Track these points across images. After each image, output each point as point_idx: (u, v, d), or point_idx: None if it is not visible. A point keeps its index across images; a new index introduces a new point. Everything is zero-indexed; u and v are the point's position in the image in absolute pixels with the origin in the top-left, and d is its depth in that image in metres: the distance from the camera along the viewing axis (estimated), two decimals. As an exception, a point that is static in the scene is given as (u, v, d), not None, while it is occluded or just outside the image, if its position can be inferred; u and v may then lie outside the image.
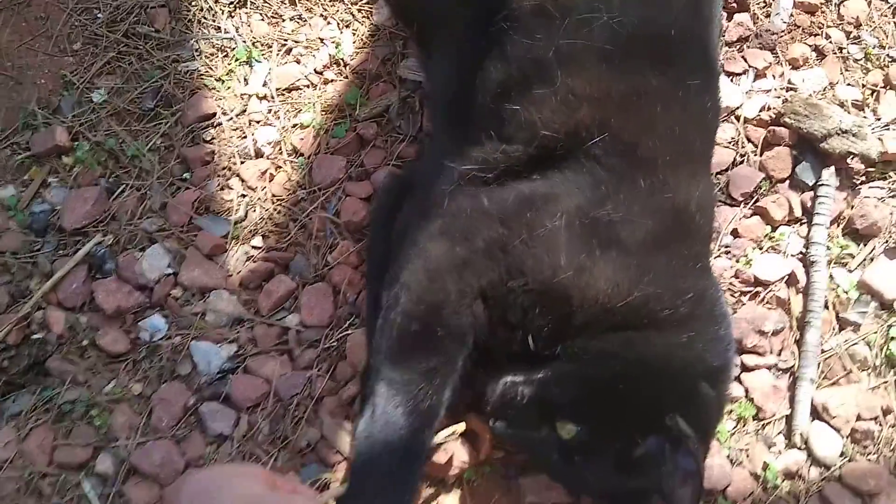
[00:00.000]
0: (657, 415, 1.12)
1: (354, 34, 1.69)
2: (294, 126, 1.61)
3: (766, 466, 1.38)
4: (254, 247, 1.54)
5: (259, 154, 1.60)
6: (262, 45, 1.68)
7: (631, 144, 1.21)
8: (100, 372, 1.46)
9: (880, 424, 1.40)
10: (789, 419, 1.41)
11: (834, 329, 1.46)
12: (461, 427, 1.20)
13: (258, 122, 1.62)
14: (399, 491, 1.12)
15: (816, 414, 1.41)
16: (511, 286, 1.15)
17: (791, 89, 1.59)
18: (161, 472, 1.38)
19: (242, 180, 1.57)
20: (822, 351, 1.44)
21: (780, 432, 1.41)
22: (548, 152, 1.23)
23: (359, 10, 1.70)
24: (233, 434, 1.41)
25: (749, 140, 1.56)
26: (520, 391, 1.14)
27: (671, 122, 1.25)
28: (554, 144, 1.22)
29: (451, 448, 1.35)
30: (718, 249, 1.50)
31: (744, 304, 1.46)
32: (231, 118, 1.62)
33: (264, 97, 1.64)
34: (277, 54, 1.67)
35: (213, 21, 1.70)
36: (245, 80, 1.65)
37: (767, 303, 1.46)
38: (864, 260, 1.50)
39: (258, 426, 1.41)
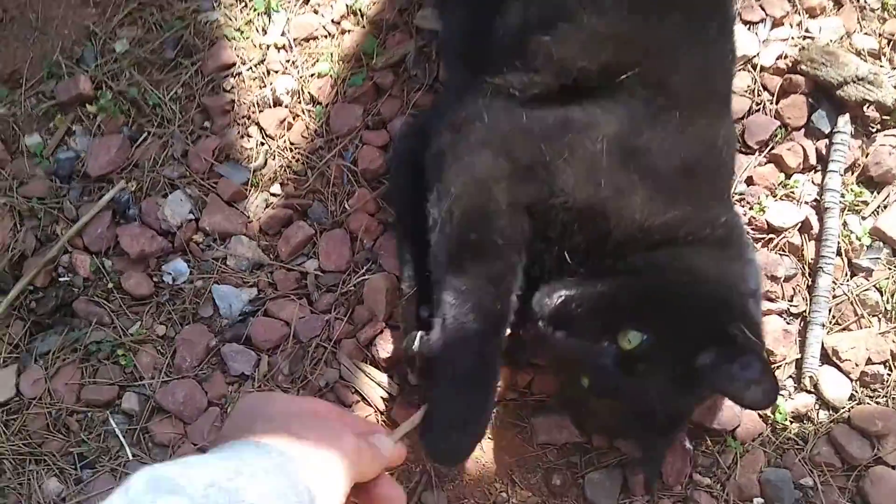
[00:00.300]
0: (719, 324, 1.15)
1: (372, -16, 1.70)
2: (312, 75, 1.63)
3: (775, 408, 1.40)
4: (273, 194, 1.56)
5: (278, 103, 1.62)
6: (280, -5, 1.70)
7: (661, 81, 1.24)
8: (125, 314, 1.51)
9: (890, 368, 1.42)
10: (799, 363, 1.42)
11: (846, 275, 1.47)
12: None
13: (277, 72, 1.64)
14: (483, 391, 1.19)
15: (826, 358, 1.42)
16: (553, 202, 1.18)
17: (808, 37, 1.59)
18: (184, 409, 1.43)
19: (261, 129, 1.60)
20: (834, 296, 1.45)
21: (789, 376, 1.43)
22: (578, 84, 1.25)
23: (376, -39, 1.71)
24: (254, 374, 1.45)
25: (765, 88, 1.57)
26: (577, 302, 1.14)
27: (696, 63, 1.29)
28: (584, 77, 1.25)
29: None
30: (733, 196, 1.50)
31: (757, 251, 1.47)
32: (250, 67, 1.64)
33: (283, 47, 1.65)
34: (295, 4, 1.68)
35: (233, -28, 1.71)
36: (264, 30, 1.67)
37: (780, 249, 1.48)
38: (878, 207, 1.50)
39: (278, 366, 1.45)
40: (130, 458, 1.43)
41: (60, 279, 1.53)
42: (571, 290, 1.16)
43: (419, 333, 1.27)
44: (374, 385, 1.42)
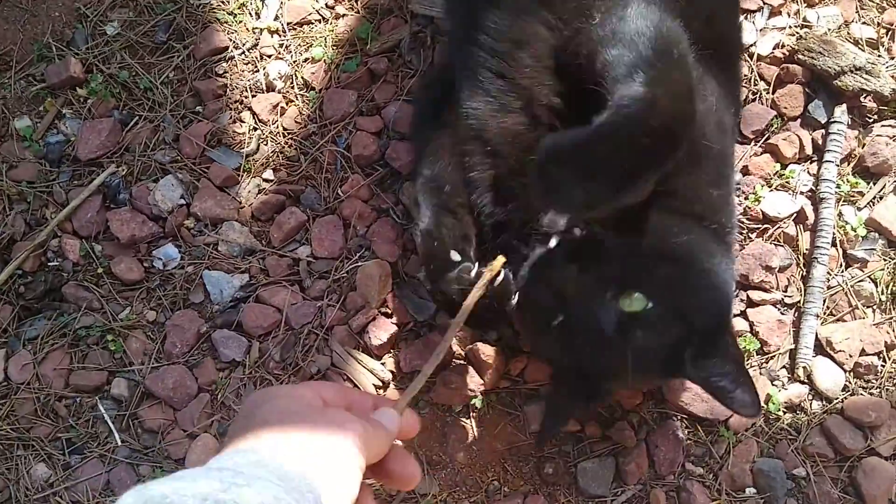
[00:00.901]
0: (718, 322, 1.16)
1: (367, -31, 1.68)
2: (305, 60, 1.61)
3: (768, 399, 1.39)
4: (265, 179, 1.55)
5: (271, 88, 1.60)
6: (274, -21, 1.68)
7: (725, 70, 1.29)
8: (114, 299, 1.49)
9: (884, 360, 1.42)
10: (793, 353, 1.42)
11: (841, 266, 1.47)
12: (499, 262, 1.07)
13: (270, 56, 1.62)
14: (620, 187, 1.02)
15: (820, 348, 1.42)
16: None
17: (806, 26, 1.58)
18: (174, 395, 1.42)
19: (254, 114, 1.58)
20: (829, 287, 1.45)
21: (783, 366, 1.43)
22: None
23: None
24: (245, 360, 1.44)
25: (762, 77, 1.56)
26: (604, 243, 1.13)
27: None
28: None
29: (458, 379, 1.38)
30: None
31: (752, 241, 1.47)
32: (243, 52, 1.62)
33: (276, 31, 1.64)
34: (290, -12, 1.67)
35: (226, -45, 1.69)
36: (257, 13, 1.65)
37: (775, 239, 1.47)
38: (874, 198, 1.49)
39: (269, 353, 1.44)
40: (119, 443, 1.42)
41: (50, 264, 1.51)
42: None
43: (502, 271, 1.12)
44: (367, 372, 1.41)
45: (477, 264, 1.20)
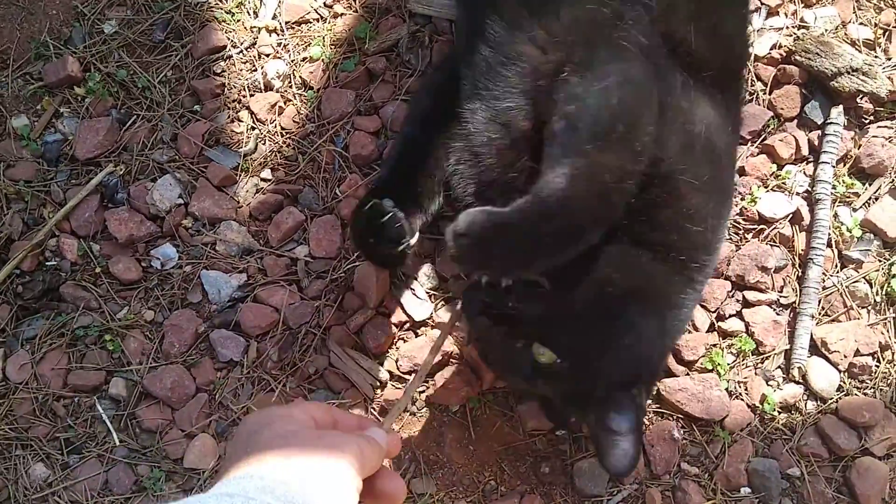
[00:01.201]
0: (630, 378, 1.15)
1: (364, -32, 1.68)
2: (303, 59, 1.61)
3: (763, 399, 1.40)
4: (263, 179, 1.55)
5: (269, 87, 1.60)
6: (272, -23, 1.67)
7: (725, 90, 1.24)
8: (112, 299, 1.50)
9: (878, 360, 1.43)
10: (788, 354, 1.43)
11: (836, 266, 1.47)
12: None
13: (268, 55, 1.62)
14: (543, 253, 1.06)
15: (815, 349, 1.43)
16: (657, 154, 1.10)
17: (803, 27, 1.58)
18: (172, 395, 1.42)
19: (252, 113, 1.58)
20: (824, 288, 1.46)
21: (778, 366, 1.44)
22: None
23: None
24: (242, 360, 1.44)
25: (759, 78, 1.56)
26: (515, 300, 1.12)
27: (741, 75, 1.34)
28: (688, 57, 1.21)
29: (454, 379, 1.39)
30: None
31: (747, 241, 1.47)
32: (241, 51, 1.62)
33: (274, 30, 1.64)
34: (287, -13, 1.66)
35: (223, -47, 1.69)
36: (255, 12, 1.65)
37: (771, 240, 1.48)
38: (869, 199, 1.50)
39: (267, 353, 1.44)
40: (117, 443, 1.42)
41: (47, 263, 1.51)
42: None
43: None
44: (364, 372, 1.42)
45: (416, 236, 1.27)
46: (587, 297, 1.13)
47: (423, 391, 1.42)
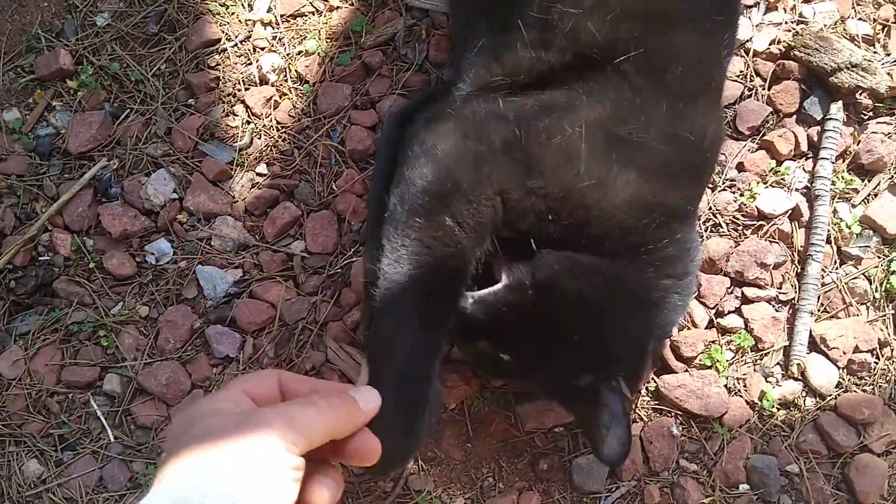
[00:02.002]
0: (604, 367, 1.14)
1: (361, -40, 1.66)
2: (299, 53, 1.60)
3: (762, 395, 1.40)
4: (259, 174, 1.54)
5: (264, 81, 1.59)
6: (267, -30, 1.66)
7: (660, 68, 1.18)
8: (107, 294, 1.48)
9: (877, 357, 1.42)
10: (787, 350, 1.42)
11: (835, 263, 1.47)
12: None
13: (263, 49, 1.60)
14: (412, 395, 1.07)
15: (814, 345, 1.43)
16: (530, 186, 1.11)
17: (802, 22, 1.58)
18: (167, 391, 1.41)
19: (247, 107, 1.57)
20: (823, 284, 1.45)
21: (777, 363, 1.43)
22: (580, 62, 1.18)
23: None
24: (238, 356, 1.43)
25: (758, 74, 1.55)
26: (469, 305, 1.12)
27: (697, 53, 1.23)
28: (589, 53, 1.17)
29: (453, 377, 1.38)
30: (723, 183, 1.50)
31: (746, 238, 1.47)
32: (235, 44, 1.60)
33: (269, 23, 1.62)
34: (283, -20, 1.65)
35: (218, -55, 1.67)
36: (249, 5, 1.63)
37: (770, 236, 1.47)
38: (869, 195, 1.50)
39: (263, 349, 1.43)
40: (112, 440, 1.41)
41: (40, 258, 1.50)
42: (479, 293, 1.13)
43: None
44: (361, 368, 1.41)
45: None
46: (540, 299, 1.12)
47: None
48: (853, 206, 1.49)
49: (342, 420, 0.70)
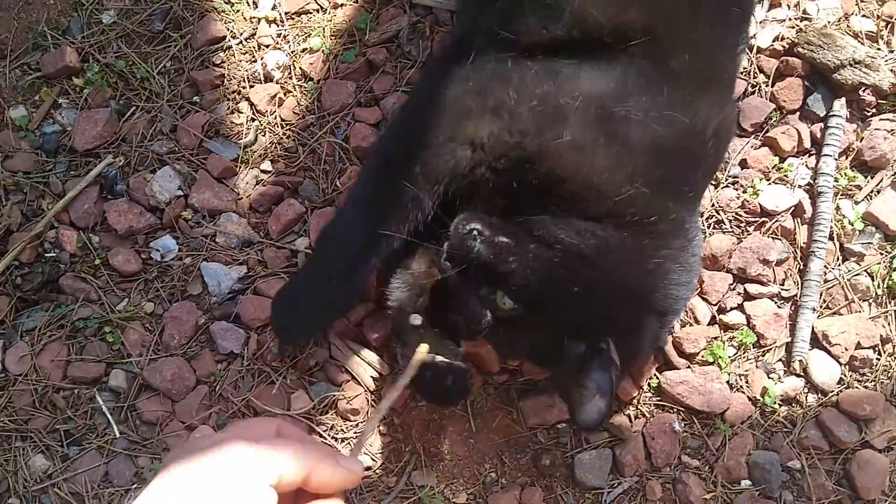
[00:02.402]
0: (597, 330, 1.14)
1: (365, -42, 1.67)
2: (303, 50, 1.61)
3: (764, 392, 1.41)
4: (263, 171, 1.54)
5: (268, 78, 1.59)
6: (271, -33, 1.66)
7: (667, 54, 1.21)
8: (112, 290, 1.49)
9: (879, 353, 1.43)
10: (789, 346, 1.43)
11: (838, 259, 1.47)
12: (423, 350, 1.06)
13: (267, 46, 1.61)
14: (342, 281, 1.30)
15: (816, 342, 1.43)
16: (507, 140, 1.18)
17: (805, 19, 1.58)
18: (172, 387, 1.42)
19: (252, 104, 1.57)
20: (825, 281, 1.46)
21: (779, 359, 1.44)
22: (589, 39, 1.22)
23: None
24: (243, 352, 1.44)
25: (761, 70, 1.55)
26: (478, 245, 1.13)
27: (709, 44, 1.26)
28: (598, 34, 1.21)
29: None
30: (726, 180, 1.50)
31: (749, 234, 1.47)
32: (240, 42, 1.61)
33: (274, 21, 1.63)
34: (287, -23, 1.65)
35: (223, -57, 1.68)
36: (254, 2, 1.64)
37: (773, 233, 1.47)
38: (871, 192, 1.50)
39: (268, 346, 1.44)
40: (117, 435, 1.42)
41: (47, 255, 1.51)
42: (484, 229, 1.14)
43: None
44: (365, 364, 1.42)
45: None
46: (539, 255, 1.14)
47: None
48: (856, 202, 1.49)
49: (312, 453, 0.69)
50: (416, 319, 1.30)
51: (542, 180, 1.16)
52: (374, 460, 1.39)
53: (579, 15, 1.21)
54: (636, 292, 1.19)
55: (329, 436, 1.40)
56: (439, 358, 1.25)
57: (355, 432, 1.40)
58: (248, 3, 1.64)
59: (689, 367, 1.41)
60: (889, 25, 1.58)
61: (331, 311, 1.37)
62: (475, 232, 1.13)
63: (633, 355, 1.23)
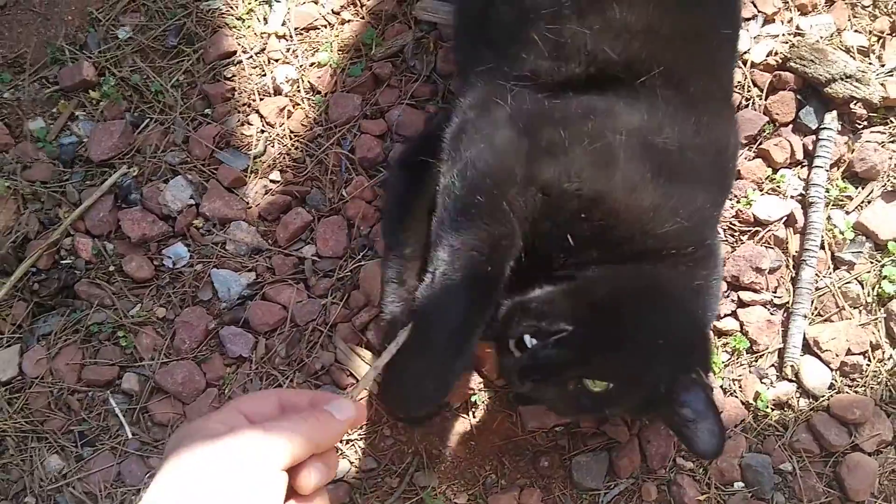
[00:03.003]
0: (684, 364, 1.17)
1: (371, -25, 1.72)
2: (311, 65, 1.66)
3: (757, 396, 1.44)
4: (272, 180, 1.59)
5: (278, 91, 1.65)
6: (281, -15, 1.72)
7: (683, 81, 1.22)
8: (125, 296, 1.54)
9: (869, 359, 1.46)
10: (781, 352, 1.47)
11: (829, 268, 1.51)
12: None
13: (277, 61, 1.66)
14: (456, 351, 1.15)
15: (808, 348, 1.47)
16: (566, 188, 1.14)
17: (798, 34, 1.62)
18: (183, 390, 1.47)
19: (262, 116, 1.63)
20: (817, 288, 1.50)
21: (772, 365, 1.47)
22: (605, 74, 1.22)
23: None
24: (251, 356, 1.49)
25: (755, 84, 1.60)
26: (547, 350, 1.12)
27: (715, 66, 1.30)
28: (612, 69, 1.22)
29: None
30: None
31: (743, 243, 1.51)
32: (251, 56, 1.67)
33: (283, 36, 1.68)
34: (296, -6, 1.71)
35: (234, -39, 1.74)
36: (265, 19, 1.70)
37: (766, 242, 1.51)
38: (862, 202, 1.54)
39: (275, 349, 1.49)
40: (130, 436, 1.47)
41: (63, 262, 1.56)
42: (540, 327, 1.12)
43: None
44: (369, 368, 1.46)
45: None
46: (604, 319, 1.15)
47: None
48: (847, 212, 1.53)
49: (319, 430, 0.72)
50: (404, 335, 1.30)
51: (596, 229, 1.15)
52: (377, 462, 1.43)
53: (592, 51, 1.22)
54: (696, 315, 1.23)
55: (334, 437, 1.44)
56: None
57: (359, 435, 1.45)
58: (258, 19, 1.70)
59: (683, 372, 1.45)
60: (880, 40, 1.62)
61: (450, 378, 1.20)
62: (534, 341, 1.13)
63: (709, 367, 1.26)
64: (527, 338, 1.14)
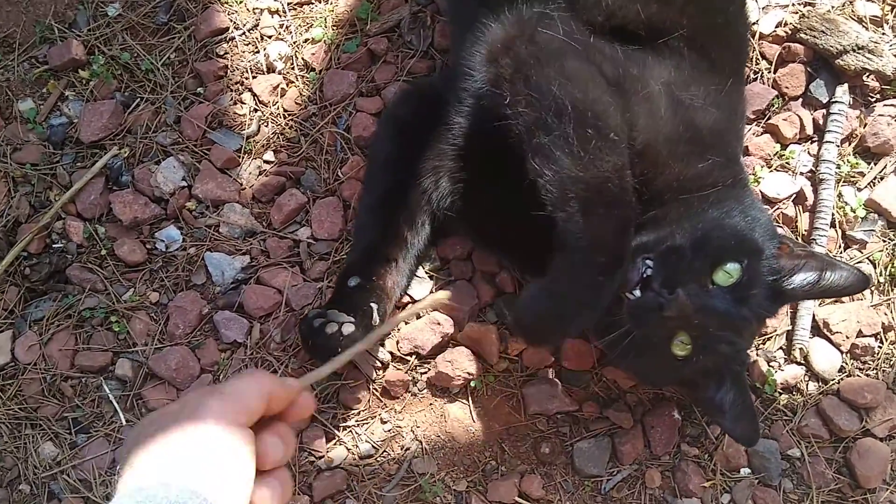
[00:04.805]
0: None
1: (367, -52, 1.67)
2: (305, 41, 1.61)
3: (765, 380, 1.40)
4: (266, 161, 1.56)
5: (271, 69, 1.60)
6: (274, -42, 1.67)
7: (705, 46, 1.26)
8: (118, 280, 1.51)
9: (881, 341, 1.42)
10: (790, 335, 1.43)
11: (840, 247, 1.47)
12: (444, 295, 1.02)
13: (270, 37, 1.62)
14: (594, 298, 1.12)
15: (817, 330, 1.43)
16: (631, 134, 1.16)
17: (809, 4, 1.56)
18: (177, 376, 1.44)
19: (255, 95, 1.59)
20: (827, 269, 1.45)
21: (780, 347, 1.43)
22: (628, 30, 1.25)
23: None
24: (246, 341, 1.46)
25: (763, 57, 1.54)
26: (678, 244, 1.13)
27: (731, 36, 1.34)
28: (635, 26, 1.24)
29: (455, 360, 1.40)
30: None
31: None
32: (243, 33, 1.62)
33: (276, 11, 1.64)
34: (289, -32, 1.66)
35: (226, -66, 1.69)
36: (257, -6, 1.65)
37: (774, 220, 1.47)
38: (874, 178, 1.49)
39: (270, 334, 1.46)
40: (124, 423, 1.45)
41: (54, 246, 1.53)
42: (658, 243, 1.14)
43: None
44: (366, 353, 1.43)
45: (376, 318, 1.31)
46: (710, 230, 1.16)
47: (425, 373, 1.43)
48: (858, 189, 1.48)
49: (273, 384, 0.73)
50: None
51: (640, 177, 1.14)
52: (375, 448, 1.41)
53: (609, 9, 1.25)
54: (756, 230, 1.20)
55: (331, 424, 1.41)
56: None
57: (356, 421, 1.42)
58: (250, -6, 1.65)
59: (689, 355, 1.41)
60: (894, 10, 1.56)
61: (582, 319, 1.16)
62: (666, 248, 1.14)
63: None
64: (649, 270, 1.13)
